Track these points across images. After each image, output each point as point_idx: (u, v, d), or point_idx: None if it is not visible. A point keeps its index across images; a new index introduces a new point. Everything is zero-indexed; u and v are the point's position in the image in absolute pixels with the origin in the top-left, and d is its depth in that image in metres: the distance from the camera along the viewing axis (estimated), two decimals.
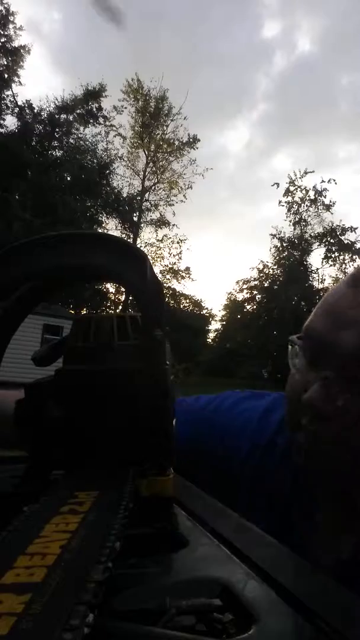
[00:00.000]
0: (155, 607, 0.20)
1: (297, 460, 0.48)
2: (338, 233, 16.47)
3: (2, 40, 16.01)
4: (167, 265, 19.36)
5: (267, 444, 0.55)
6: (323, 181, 17.00)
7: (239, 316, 18.28)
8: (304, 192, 17.14)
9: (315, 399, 0.43)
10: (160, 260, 19.14)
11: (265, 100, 34.33)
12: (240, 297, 18.29)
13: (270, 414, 0.57)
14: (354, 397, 0.42)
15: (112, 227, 18.51)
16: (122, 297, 18.15)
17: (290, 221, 17.38)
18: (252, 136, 34.40)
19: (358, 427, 0.41)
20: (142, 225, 18.91)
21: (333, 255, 16.65)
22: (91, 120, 17.84)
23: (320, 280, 16.86)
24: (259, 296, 17.56)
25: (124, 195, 18.54)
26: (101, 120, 18.12)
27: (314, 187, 16.96)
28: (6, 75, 15.90)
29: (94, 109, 17.90)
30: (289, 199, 17.33)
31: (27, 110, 16.65)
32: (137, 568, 0.24)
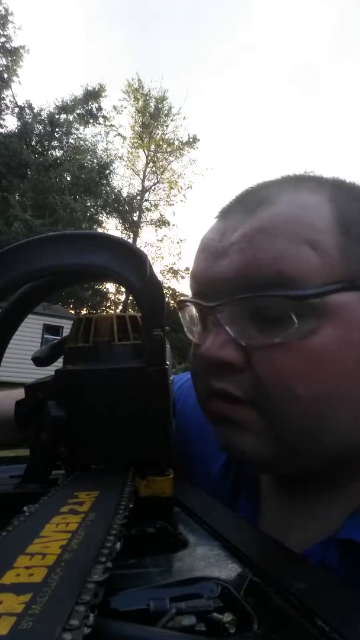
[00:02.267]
0: (155, 607, 0.20)
1: (226, 450, 0.40)
2: None
3: (2, 40, 16.02)
4: (167, 265, 19.39)
5: None
6: None
7: None
8: None
9: (212, 347, 0.35)
10: (160, 260, 19.17)
11: (265, 100, 34.36)
12: None
13: None
14: (259, 332, 0.34)
15: (112, 227, 18.55)
16: (122, 297, 18.16)
17: None
18: (252, 135, 34.44)
19: (284, 371, 0.33)
20: (142, 225, 18.93)
21: None
22: (91, 120, 17.85)
23: None
24: None
25: (124, 195, 18.57)
26: (101, 120, 18.15)
27: None
28: (6, 75, 15.91)
29: (94, 109, 17.92)
30: None
31: (27, 110, 16.66)
32: (137, 568, 0.24)
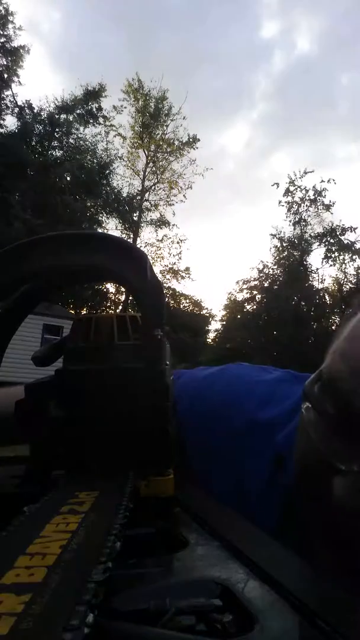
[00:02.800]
0: (155, 607, 0.20)
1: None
2: (338, 233, 16.48)
3: (2, 40, 16.02)
4: (167, 265, 19.39)
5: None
6: (322, 181, 17.01)
7: (239, 316, 18.26)
8: (303, 192, 17.17)
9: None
10: (160, 260, 19.17)
11: (264, 100, 34.36)
12: (240, 297, 18.30)
13: (280, 384, 0.50)
14: None
15: (112, 227, 18.54)
16: (122, 297, 18.17)
17: (290, 221, 17.40)
18: (252, 136, 34.42)
19: None
20: (142, 225, 18.94)
21: (333, 255, 16.67)
22: (91, 120, 17.85)
23: (320, 280, 16.90)
24: (259, 296, 17.57)
25: (124, 195, 18.58)
26: (101, 120, 18.15)
27: (314, 187, 16.99)
28: (6, 75, 15.91)
29: (94, 109, 17.92)
30: (289, 199, 17.33)
31: (27, 110, 16.66)
32: (137, 568, 0.24)
